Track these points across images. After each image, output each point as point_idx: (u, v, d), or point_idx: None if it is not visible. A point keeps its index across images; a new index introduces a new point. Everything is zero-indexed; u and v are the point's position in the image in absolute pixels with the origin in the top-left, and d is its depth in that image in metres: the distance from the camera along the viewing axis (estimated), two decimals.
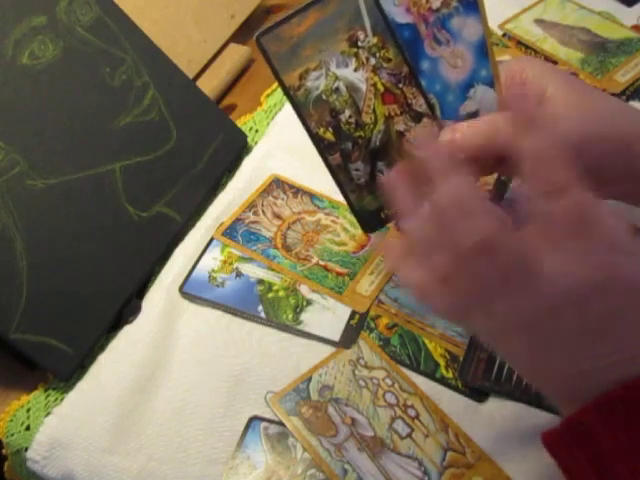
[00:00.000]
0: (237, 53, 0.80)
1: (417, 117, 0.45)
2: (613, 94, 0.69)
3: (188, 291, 0.59)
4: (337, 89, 0.44)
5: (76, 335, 0.55)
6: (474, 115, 0.47)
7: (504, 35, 0.78)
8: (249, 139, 0.71)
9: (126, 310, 0.58)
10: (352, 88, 0.45)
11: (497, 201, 0.60)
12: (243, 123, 0.73)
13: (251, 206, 0.64)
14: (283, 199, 0.64)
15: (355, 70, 0.44)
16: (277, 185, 0.66)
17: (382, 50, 0.44)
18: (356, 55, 0.44)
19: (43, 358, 0.54)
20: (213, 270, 0.60)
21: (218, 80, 0.77)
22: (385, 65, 0.44)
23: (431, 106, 0.45)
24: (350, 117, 0.45)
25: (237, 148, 0.69)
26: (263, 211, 0.63)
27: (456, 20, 0.46)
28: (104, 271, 0.57)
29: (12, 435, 0.53)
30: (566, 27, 0.77)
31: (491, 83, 0.47)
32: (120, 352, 0.56)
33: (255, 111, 0.74)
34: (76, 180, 0.57)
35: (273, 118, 0.73)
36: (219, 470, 0.49)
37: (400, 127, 0.45)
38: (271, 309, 0.56)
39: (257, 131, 0.72)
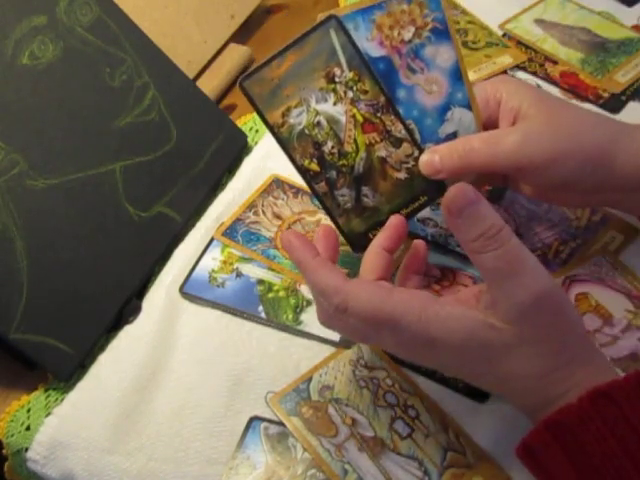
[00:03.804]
0: (237, 53, 0.80)
1: (397, 142, 0.48)
2: (613, 94, 0.69)
3: (188, 291, 0.59)
4: (318, 123, 0.47)
5: (76, 335, 0.55)
6: (453, 136, 0.49)
7: (504, 35, 0.78)
8: (249, 139, 0.71)
9: (126, 310, 0.58)
10: (333, 121, 0.47)
11: (496, 201, 0.60)
12: (243, 123, 0.73)
13: (251, 206, 0.64)
14: (283, 199, 0.64)
15: (334, 104, 0.47)
16: (277, 185, 0.66)
17: (358, 83, 0.46)
18: (334, 90, 0.46)
19: (43, 358, 0.54)
20: (213, 270, 0.60)
21: (218, 80, 0.77)
22: (362, 97, 0.47)
23: (410, 131, 0.47)
24: (333, 148, 0.47)
25: (237, 148, 0.69)
26: (263, 211, 0.63)
27: (429, 49, 0.48)
28: (104, 271, 0.57)
29: (12, 435, 0.53)
30: (566, 27, 0.77)
31: (468, 105, 0.49)
32: (120, 352, 0.56)
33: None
34: (76, 180, 0.57)
35: None
36: (219, 470, 0.49)
37: (382, 153, 0.48)
38: (271, 309, 0.56)
39: (257, 131, 0.72)
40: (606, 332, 0.51)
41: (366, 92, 0.47)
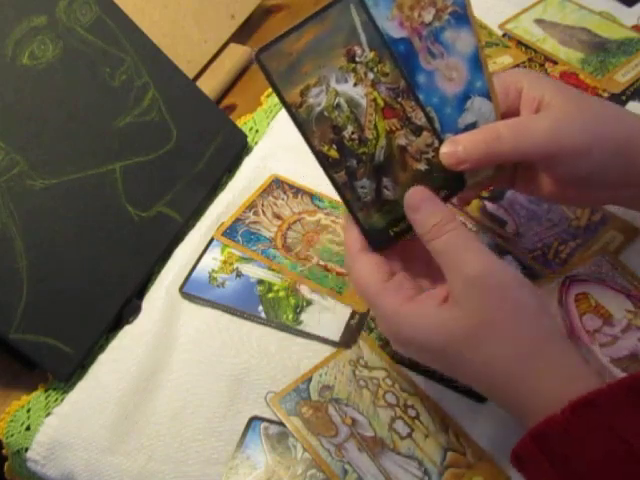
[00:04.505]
0: (237, 53, 0.80)
1: (417, 130, 0.45)
2: (613, 94, 0.69)
3: (188, 291, 0.59)
4: (338, 105, 0.44)
5: (76, 335, 0.55)
6: (472, 127, 0.47)
7: (504, 35, 0.78)
8: (249, 139, 0.71)
9: (126, 310, 0.58)
10: (353, 104, 0.44)
11: (497, 201, 0.60)
12: (243, 123, 0.73)
13: (251, 206, 0.64)
14: (283, 199, 0.64)
15: (354, 85, 0.44)
16: (277, 185, 0.66)
17: (379, 64, 0.44)
18: (354, 70, 0.44)
19: (43, 358, 0.54)
20: (213, 270, 0.60)
21: (218, 80, 0.77)
22: (383, 79, 0.44)
23: (430, 119, 0.45)
24: (353, 133, 0.45)
25: (237, 148, 0.69)
26: (263, 211, 0.63)
27: (449, 33, 0.46)
28: (104, 271, 0.57)
29: (12, 435, 0.53)
30: (566, 27, 0.77)
31: (487, 94, 0.47)
32: (120, 352, 0.56)
33: (255, 111, 0.74)
34: (76, 180, 0.57)
35: (273, 118, 0.73)
36: (219, 470, 0.49)
37: (401, 141, 0.45)
38: (271, 309, 0.56)
39: (257, 131, 0.72)
40: (606, 332, 0.51)
41: (387, 74, 0.44)
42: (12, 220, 0.53)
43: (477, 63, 0.47)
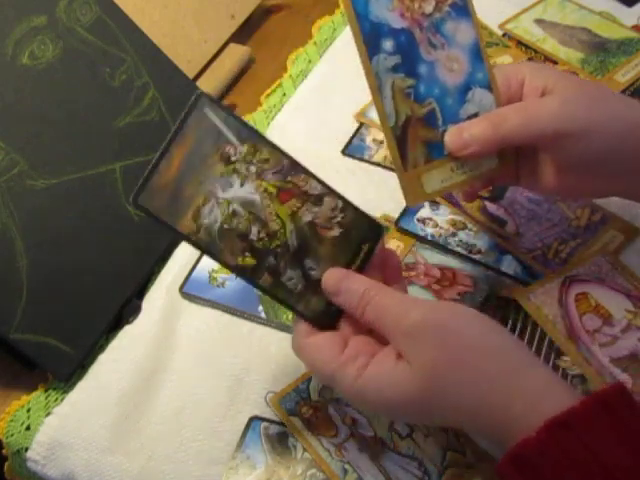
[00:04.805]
0: (237, 53, 0.80)
1: (318, 200, 0.44)
2: None
3: (188, 291, 0.59)
4: (235, 212, 0.43)
5: (76, 335, 0.55)
6: (474, 117, 0.47)
7: (504, 35, 0.78)
8: None
9: (126, 310, 0.58)
10: (248, 204, 0.43)
11: (497, 201, 0.60)
12: None
13: None
14: None
15: (241, 185, 0.43)
16: None
17: (256, 153, 0.43)
18: (235, 171, 0.43)
19: (43, 358, 0.54)
20: (213, 270, 0.60)
21: (218, 80, 0.77)
22: (266, 167, 0.43)
23: (323, 183, 0.44)
24: (259, 232, 0.44)
25: None
26: None
27: (449, 24, 0.47)
28: (104, 271, 0.57)
29: (12, 435, 0.53)
30: (566, 27, 0.77)
31: (488, 86, 0.47)
32: (120, 352, 0.56)
33: (255, 111, 0.74)
34: (76, 180, 0.57)
35: (273, 118, 0.73)
36: (219, 470, 0.49)
37: (307, 217, 0.44)
38: (271, 309, 0.56)
39: None
40: (606, 332, 0.51)
41: (267, 160, 0.43)
42: (12, 220, 0.53)
43: (478, 54, 0.47)
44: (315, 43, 0.80)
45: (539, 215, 0.59)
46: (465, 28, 0.47)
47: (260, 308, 0.57)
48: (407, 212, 0.60)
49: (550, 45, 0.75)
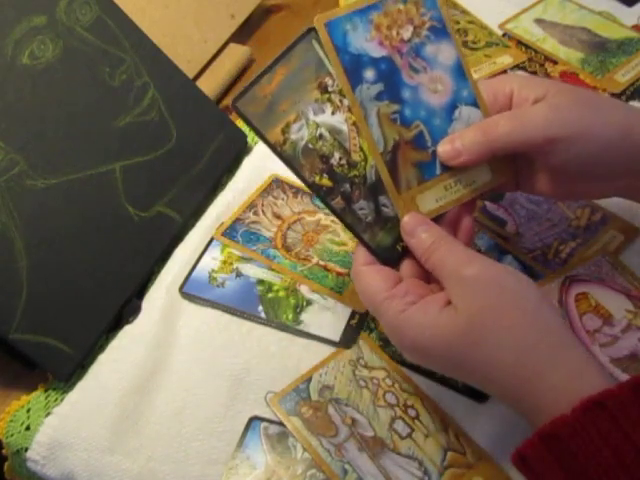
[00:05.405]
0: (237, 53, 0.80)
1: None
2: (613, 94, 0.69)
3: (188, 291, 0.59)
4: (321, 135, 0.46)
5: (76, 335, 0.55)
6: None
7: (504, 35, 0.78)
8: (249, 139, 0.71)
9: (126, 310, 0.58)
10: (335, 131, 0.46)
11: (497, 201, 0.60)
12: (243, 123, 0.73)
13: (251, 206, 0.64)
14: (283, 199, 0.64)
15: (332, 114, 0.46)
16: (277, 185, 0.66)
17: None
18: (329, 100, 0.46)
19: (43, 358, 0.54)
20: (213, 270, 0.60)
21: (218, 80, 0.77)
22: None
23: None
24: (341, 159, 0.46)
25: (237, 148, 0.69)
26: (263, 211, 0.63)
27: (429, 47, 0.47)
28: (104, 271, 0.57)
29: (12, 435, 0.53)
30: (566, 27, 0.77)
31: (474, 102, 0.48)
32: (120, 352, 0.56)
33: None
34: (76, 180, 0.57)
35: None
36: (219, 470, 0.49)
37: None
38: (271, 309, 0.56)
39: None
40: (606, 332, 0.51)
41: None
42: (12, 220, 0.53)
43: (461, 73, 0.48)
44: None
45: (539, 215, 0.59)
46: (446, 48, 0.48)
47: (260, 308, 0.57)
48: None
49: (550, 45, 0.75)
